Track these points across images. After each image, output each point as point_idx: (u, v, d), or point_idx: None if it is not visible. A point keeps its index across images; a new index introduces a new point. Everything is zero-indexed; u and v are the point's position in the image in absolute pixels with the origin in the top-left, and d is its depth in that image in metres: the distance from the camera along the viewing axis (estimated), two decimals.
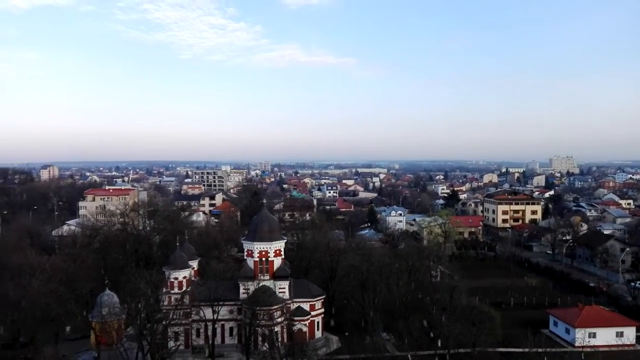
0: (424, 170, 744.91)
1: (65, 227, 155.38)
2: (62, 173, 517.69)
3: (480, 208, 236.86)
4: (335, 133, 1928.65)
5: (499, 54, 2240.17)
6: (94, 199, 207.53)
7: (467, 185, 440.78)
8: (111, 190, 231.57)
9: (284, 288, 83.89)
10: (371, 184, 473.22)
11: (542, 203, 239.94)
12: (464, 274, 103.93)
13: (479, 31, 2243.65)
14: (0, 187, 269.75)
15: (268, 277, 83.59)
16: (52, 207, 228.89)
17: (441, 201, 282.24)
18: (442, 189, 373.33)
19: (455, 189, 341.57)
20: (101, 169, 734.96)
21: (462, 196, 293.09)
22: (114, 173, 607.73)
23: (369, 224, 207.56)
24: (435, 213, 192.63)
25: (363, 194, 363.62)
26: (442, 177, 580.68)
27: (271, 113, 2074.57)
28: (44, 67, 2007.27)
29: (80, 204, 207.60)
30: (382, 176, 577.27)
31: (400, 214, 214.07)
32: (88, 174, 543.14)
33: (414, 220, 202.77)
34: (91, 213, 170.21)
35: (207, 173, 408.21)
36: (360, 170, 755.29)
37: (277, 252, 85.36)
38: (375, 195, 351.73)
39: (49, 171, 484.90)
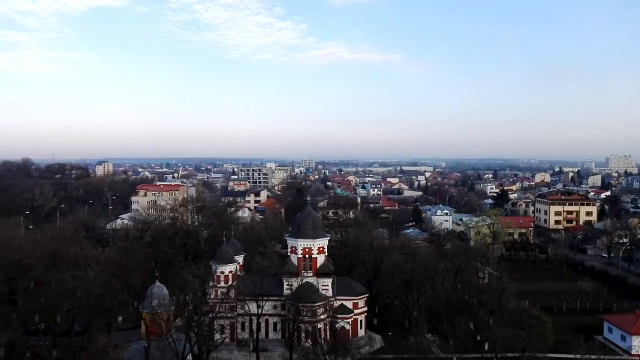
0: (472, 169, 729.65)
1: (118, 221, 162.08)
2: (116, 169, 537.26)
3: (532, 209, 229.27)
4: (380, 131, 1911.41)
5: (554, 49, 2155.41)
6: (145, 195, 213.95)
7: (518, 185, 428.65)
8: (162, 186, 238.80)
9: (328, 285, 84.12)
10: (416, 183, 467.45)
11: (598, 204, 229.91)
12: (514, 277, 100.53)
13: (530, 26, 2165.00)
14: (59, 182, 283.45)
15: (312, 274, 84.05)
16: (107, 202, 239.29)
17: (490, 201, 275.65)
18: (491, 189, 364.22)
19: (505, 188, 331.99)
20: (153, 165, 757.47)
21: (513, 196, 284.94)
22: (164, 169, 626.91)
23: (414, 223, 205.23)
24: (484, 213, 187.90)
25: (408, 193, 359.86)
26: (491, 176, 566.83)
27: (316, 111, 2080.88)
28: (99, 67, 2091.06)
29: (133, 199, 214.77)
30: (428, 175, 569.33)
31: (447, 214, 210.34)
32: (140, 170, 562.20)
33: (461, 220, 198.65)
34: (143, 208, 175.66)
35: (253, 170, 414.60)
36: (405, 168, 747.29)
37: (321, 249, 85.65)
38: (420, 194, 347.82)
39: (104, 167, 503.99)
